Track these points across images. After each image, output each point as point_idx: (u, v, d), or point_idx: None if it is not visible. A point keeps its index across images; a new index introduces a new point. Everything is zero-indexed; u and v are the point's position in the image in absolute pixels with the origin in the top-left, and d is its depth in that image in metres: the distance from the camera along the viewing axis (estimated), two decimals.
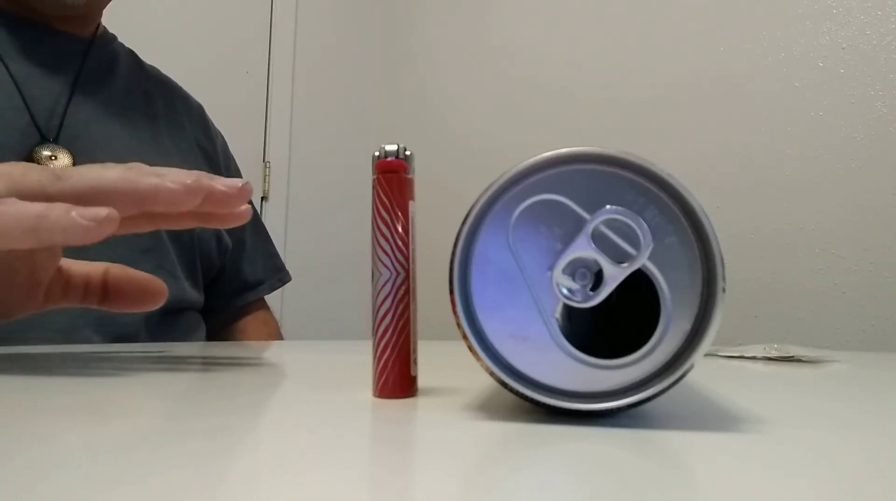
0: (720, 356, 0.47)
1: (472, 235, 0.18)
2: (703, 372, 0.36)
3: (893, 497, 0.12)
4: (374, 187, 0.21)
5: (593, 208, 0.17)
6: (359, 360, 0.36)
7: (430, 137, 1.66)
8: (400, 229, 0.21)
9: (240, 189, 0.29)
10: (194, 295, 0.63)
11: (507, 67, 1.53)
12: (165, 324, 0.58)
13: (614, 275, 0.17)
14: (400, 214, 0.21)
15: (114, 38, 0.68)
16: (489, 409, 0.19)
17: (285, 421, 0.18)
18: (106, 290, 0.35)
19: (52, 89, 0.57)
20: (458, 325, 0.18)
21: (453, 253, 0.18)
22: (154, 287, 0.36)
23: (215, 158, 0.71)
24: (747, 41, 1.20)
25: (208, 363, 0.36)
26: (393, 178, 0.21)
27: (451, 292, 0.18)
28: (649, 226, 0.17)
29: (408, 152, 0.21)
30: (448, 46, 1.66)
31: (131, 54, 0.69)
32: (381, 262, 0.21)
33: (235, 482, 0.12)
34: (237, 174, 0.76)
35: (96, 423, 0.17)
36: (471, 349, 0.18)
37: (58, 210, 0.24)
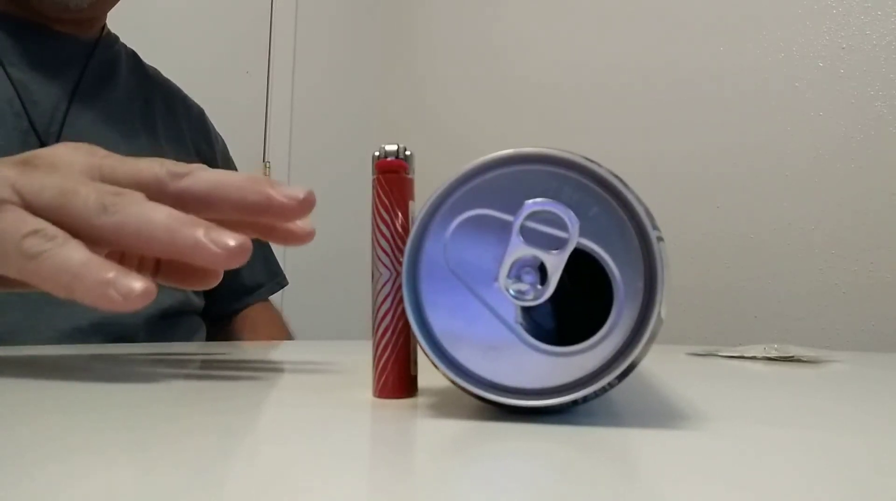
0: (720, 356, 0.47)
1: (413, 275, 0.18)
2: (703, 372, 0.36)
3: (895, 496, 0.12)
4: (374, 187, 0.21)
5: (514, 208, 0.18)
6: (359, 360, 0.36)
7: (431, 137, 1.66)
8: (400, 229, 0.21)
9: (301, 201, 0.25)
10: (195, 299, 0.63)
11: (507, 66, 1.53)
12: (166, 326, 0.58)
13: (555, 262, 0.17)
14: (400, 214, 0.21)
15: (116, 39, 0.67)
16: (489, 409, 0.19)
17: (284, 422, 0.18)
18: (159, 262, 0.34)
19: (51, 94, 0.57)
20: (422, 348, 0.18)
21: (402, 286, 0.18)
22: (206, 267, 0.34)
23: (214, 164, 0.70)
24: (747, 41, 1.20)
25: (207, 364, 0.36)
26: (393, 178, 0.21)
27: (411, 321, 0.18)
28: (569, 206, 0.17)
29: (408, 152, 0.21)
30: (449, 46, 1.66)
31: (133, 57, 0.68)
32: (381, 262, 0.21)
33: (234, 482, 0.12)
34: None
35: (95, 422, 0.17)
36: (434, 364, 0.18)
37: (93, 276, 0.23)
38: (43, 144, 0.54)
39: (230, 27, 1.54)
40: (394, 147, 0.21)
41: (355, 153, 1.71)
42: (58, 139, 0.55)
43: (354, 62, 1.80)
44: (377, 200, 0.21)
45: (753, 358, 0.45)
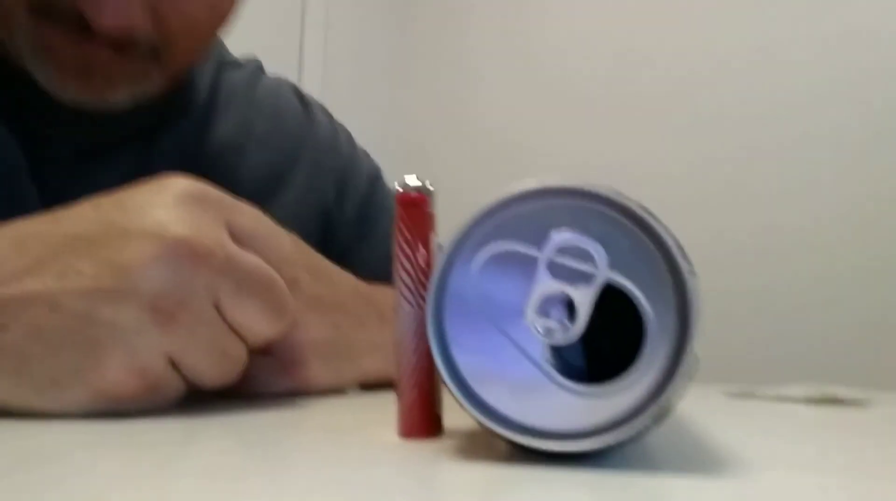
0: (757, 396, 0.45)
1: (437, 311, 0.18)
2: (738, 414, 0.35)
3: None
4: (395, 221, 0.21)
5: (540, 242, 0.17)
6: (382, 397, 0.35)
7: (464, 150, 1.64)
8: (422, 263, 0.20)
9: None
10: None
11: (544, 72, 1.51)
12: None
13: (583, 298, 0.17)
14: (422, 248, 0.20)
15: (201, 72, 0.45)
16: (518, 452, 0.18)
17: (305, 464, 0.18)
18: None
19: None
20: (447, 388, 0.18)
21: (426, 322, 0.18)
22: None
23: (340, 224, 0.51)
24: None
25: (219, 398, 0.35)
26: (414, 211, 0.21)
27: (435, 359, 0.18)
28: (597, 239, 0.17)
29: (429, 185, 0.21)
30: (484, 57, 1.65)
31: (227, 93, 0.46)
32: (404, 297, 0.20)
33: None
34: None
35: (103, 445, 0.17)
36: (460, 404, 0.18)
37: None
38: None
39: (260, 36, 1.55)
40: (415, 181, 0.21)
41: (385, 168, 1.71)
42: None
43: (386, 75, 1.80)
44: (398, 233, 0.21)
45: (794, 399, 0.43)
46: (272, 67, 0.55)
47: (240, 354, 0.26)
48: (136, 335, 0.22)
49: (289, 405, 0.33)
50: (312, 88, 1.64)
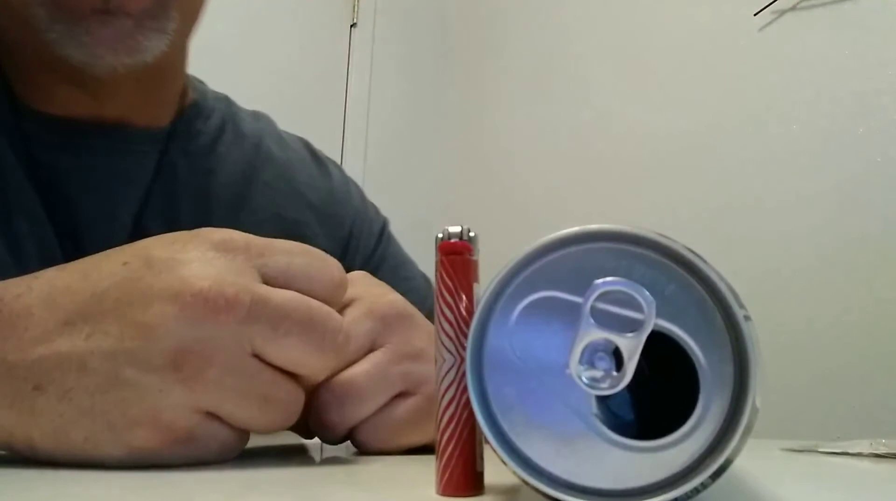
0: (820, 452, 0.42)
1: (477, 362, 0.17)
2: (802, 471, 0.33)
3: None
4: (437, 270, 0.21)
5: (583, 289, 0.17)
6: (420, 450, 0.34)
7: (503, 219, 1.64)
8: (464, 313, 0.20)
9: None
10: None
11: (585, 140, 1.53)
12: None
13: (631, 346, 0.16)
14: (464, 297, 0.20)
15: (210, 109, 0.48)
16: None
17: None
18: None
19: (111, 232, 0.40)
20: (493, 450, 0.17)
21: (466, 375, 0.18)
22: None
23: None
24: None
25: (259, 451, 0.35)
26: (457, 259, 0.20)
27: (476, 413, 0.17)
28: (643, 284, 0.16)
29: (472, 233, 0.21)
30: (521, 133, 1.67)
31: (236, 133, 0.49)
32: (445, 347, 0.20)
33: None
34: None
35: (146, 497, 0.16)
36: (502, 460, 0.17)
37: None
38: None
39: (304, 107, 1.60)
40: (457, 229, 0.21)
41: (429, 230, 1.72)
42: None
43: (427, 149, 1.84)
44: (440, 282, 0.20)
45: (859, 455, 0.40)
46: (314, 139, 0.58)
47: (288, 395, 0.25)
48: (159, 392, 0.23)
49: (330, 460, 0.32)
50: (355, 164, 1.69)
